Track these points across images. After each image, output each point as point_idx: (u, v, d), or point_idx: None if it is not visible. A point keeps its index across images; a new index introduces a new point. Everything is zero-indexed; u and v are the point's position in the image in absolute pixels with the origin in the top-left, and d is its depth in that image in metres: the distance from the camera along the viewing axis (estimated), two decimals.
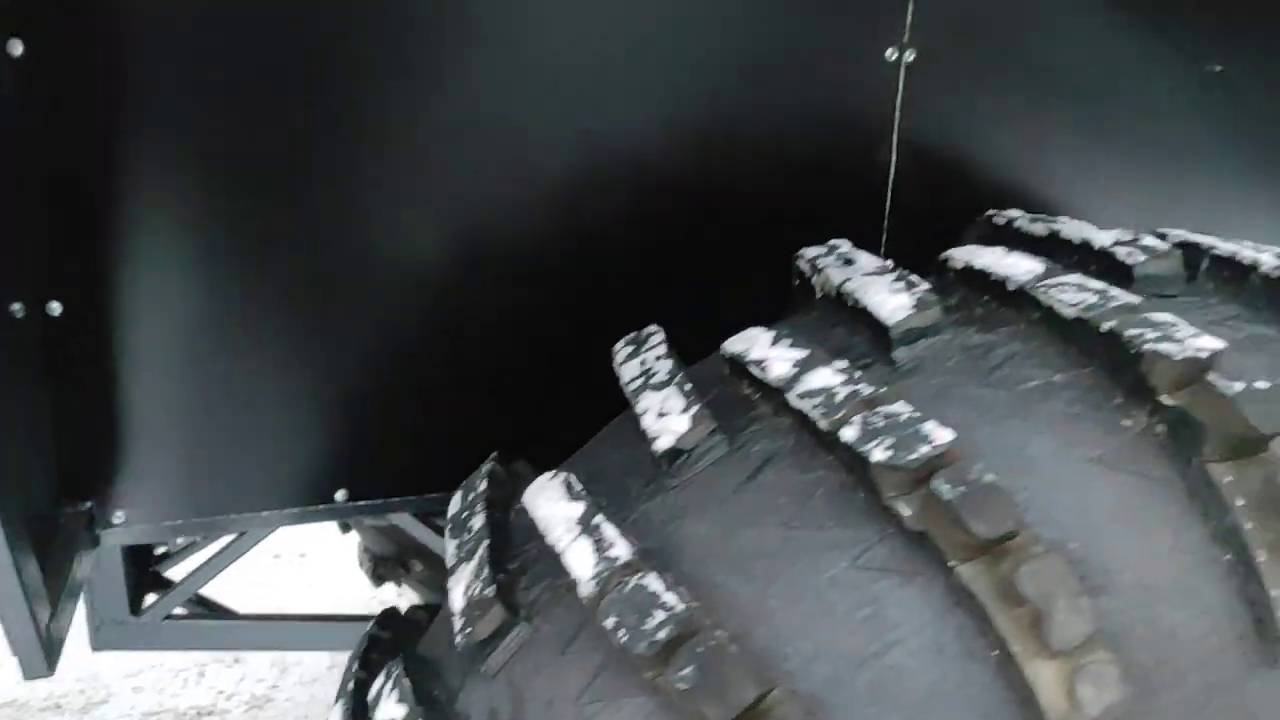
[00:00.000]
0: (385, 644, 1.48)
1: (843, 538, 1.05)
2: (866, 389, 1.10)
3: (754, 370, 1.21)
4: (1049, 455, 1.08)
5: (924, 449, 1.01)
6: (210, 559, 2.44)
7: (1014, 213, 1.53)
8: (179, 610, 2.47)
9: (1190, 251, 1.34)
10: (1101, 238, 1.33)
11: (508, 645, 1.14)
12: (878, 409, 1.07)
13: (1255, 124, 1.91)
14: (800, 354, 1.20)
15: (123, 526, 1.63)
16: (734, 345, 1.28)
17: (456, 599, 1.22)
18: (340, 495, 1.72)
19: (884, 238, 1.84)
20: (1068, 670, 0.94)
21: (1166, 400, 1.05)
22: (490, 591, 1.18)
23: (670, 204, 1.71)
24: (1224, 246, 1.33)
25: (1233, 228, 1.90)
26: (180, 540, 2.61)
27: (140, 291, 1.53)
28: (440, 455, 1.67)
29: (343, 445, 1.70)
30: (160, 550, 2.59)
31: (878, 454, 1.02)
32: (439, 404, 1.73)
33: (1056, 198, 1.87)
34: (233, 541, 2.40)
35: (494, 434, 1.63)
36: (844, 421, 1.07)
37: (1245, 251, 1.31)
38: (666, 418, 1.22)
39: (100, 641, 2.28)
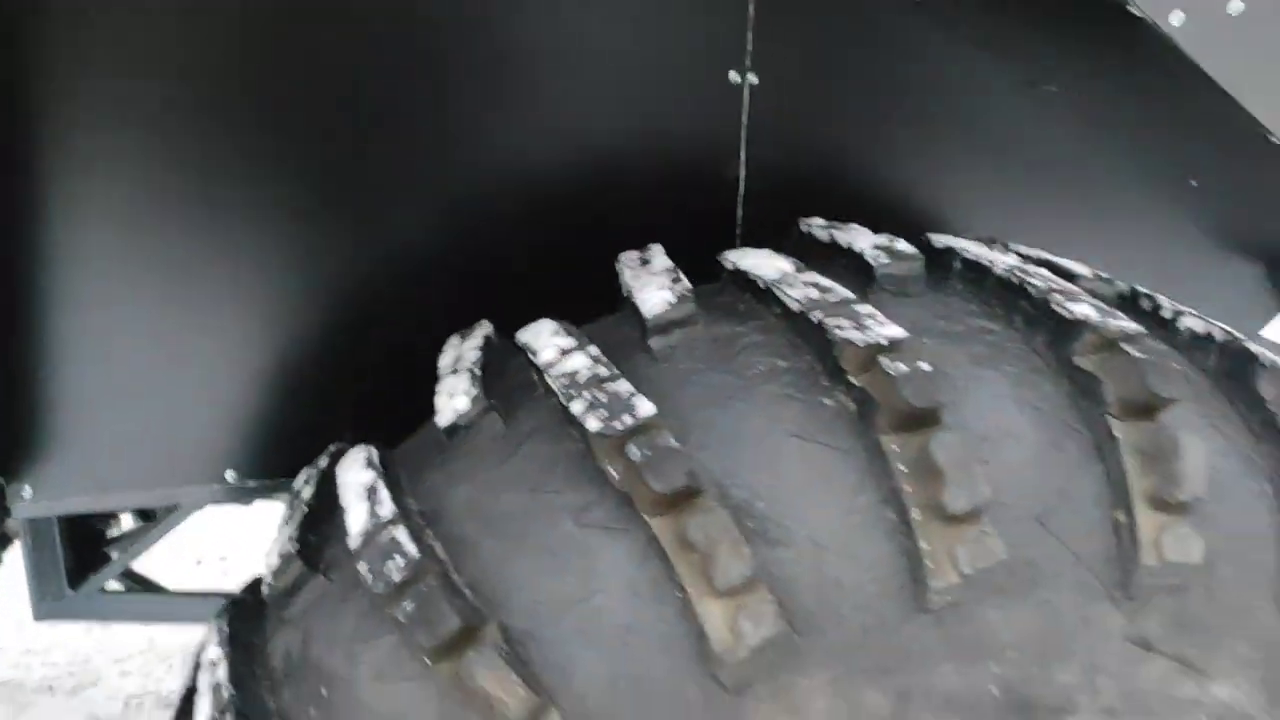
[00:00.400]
0: (246, 604, 1.66)
1: (573, 500, 1.22)
2: (603, 371, 1.27)
3: (530, 356, 1.38)
4: (758, 430, 1.23)
5: (628, 419, 1.17)
6: (141, 536, 2.64)
7: (815, 221, 1.69)
8: (115, 586, 2.67)
9: (945, 255, 1.48)
10: (861, 242, 1.48)
11: (305, 595, 1.32)
12: (604, 386, 1.24)
13: (1093, 139, 2.05)
14: (569, 342, 1.37)
15: (31, 501, 1.83)
16: (522, 335, 1.45)
17: (271, 557, 1.40)
18: (230, 475, 1.90)
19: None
20: (731, 608, 1.10)
21: (854, 381, 1.20)
22: (294, 548, 1.35)
23: (528, 215, 1.88)
24: (974, 250, 1.47)
25: (1080, 235, 2.05)
26: (130, 521, 2.82)
27: (41, 284, 1.72)
28: (323, 439, 1.85)
29: (230, 428, 1.88)
30: (113, 534, 2.80)
31: (592, 423, 1.18)
32: (319, 391, 1.91)
33: (902, 208, 2.02)
34: (163, 519, 2.59)
35: (372, 419, 1.81)
36: (575, 397, 1.23)
37: (989, 254, 1.45)
38: (454, 398, 1.39)
39: (41, 613, 2.49)
